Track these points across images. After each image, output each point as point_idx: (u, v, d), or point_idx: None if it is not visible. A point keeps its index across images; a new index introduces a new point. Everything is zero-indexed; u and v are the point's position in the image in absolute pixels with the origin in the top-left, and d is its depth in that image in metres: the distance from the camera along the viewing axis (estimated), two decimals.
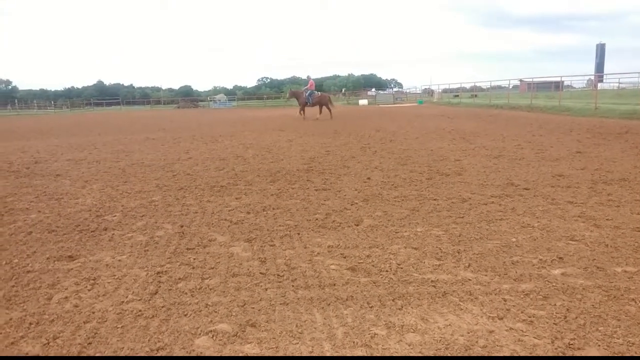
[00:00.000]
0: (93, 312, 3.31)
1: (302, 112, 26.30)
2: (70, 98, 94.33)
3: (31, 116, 49.36)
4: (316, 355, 2.74)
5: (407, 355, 2.73)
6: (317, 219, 5.54)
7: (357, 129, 18.07)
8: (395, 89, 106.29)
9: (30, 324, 3.17)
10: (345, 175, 8.30)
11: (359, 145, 12.41)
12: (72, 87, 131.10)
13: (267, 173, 8.67)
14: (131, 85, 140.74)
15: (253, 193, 7.07)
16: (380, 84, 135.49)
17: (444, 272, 3.88)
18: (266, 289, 3.64)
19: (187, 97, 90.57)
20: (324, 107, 26.17)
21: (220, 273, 3.99)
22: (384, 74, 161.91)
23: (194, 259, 4.34)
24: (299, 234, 5.03)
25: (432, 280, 3.72)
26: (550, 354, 2.69)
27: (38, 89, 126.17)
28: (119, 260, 4.33)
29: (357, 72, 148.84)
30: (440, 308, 3.27)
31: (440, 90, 58.04)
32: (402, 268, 3.98)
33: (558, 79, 38.06)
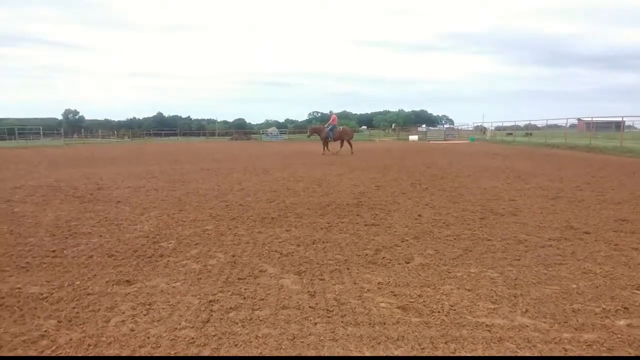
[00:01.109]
0: (148, 337, 3.40)
1: (325, 147, 25.97)
2: (132, 128, 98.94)
3: (95, 145, 51.96)
4: None
5: None
6: (366, 255, 5.51)
7: (408, 164, 17.97)
8: (446, 126, 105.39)
9: (89, 345, 3.29)
10: (395, 211, 8.24)
11: (410, 181, 12.33)
12: (134, 118, 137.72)
13: (317, 206, 8.72)
14: (188, 117, 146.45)
15: (303, 226, 7.13)
16: (431, 120, 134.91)
17: (499, 317, 3.75)
18: (315, 324, 3.63)
19: (240, 129, 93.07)
20: (345, 142, 26.13)
21: (271, 305, 4.01)
22: (435, 111, 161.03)
23: (245, 289, 4.39)
24: (348, 268, 5.01)
25: (486, 325, 3.60)
26: None
27: (103, 119, 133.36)
28: (174, 287, 4.44)
29: (408, 108, 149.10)
30: (495, 355, 3.15)
31: (493, 128, 57.18)
32: (455, 310, 3.88)
33: (619, 119, 36.53)
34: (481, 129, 62.18)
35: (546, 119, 45.48)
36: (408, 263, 5.19)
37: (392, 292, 4.30)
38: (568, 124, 37.42)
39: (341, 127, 27.32)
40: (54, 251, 5.69)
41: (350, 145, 26.14)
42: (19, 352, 3.22)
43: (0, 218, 7.75)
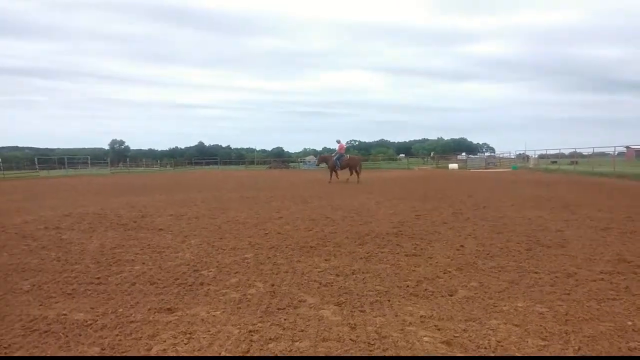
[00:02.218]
0: None
1: (334, 174, 26.13)
2: (174, 157, 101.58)
3: (139, 174, 53.53)
4: None
5: None
6: (408, 286, 5.39)
7: (448, 193, 17.68)
8: (487, 154, 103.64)
9: None
10: (436, 241, 8.07)
11: (451, 211, 12.09)
12: (176, 147, 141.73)
13: (356, 235, 8.64)
14: (228, 146, 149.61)
15: (342, 255, 7.06)
16: (470, 148, 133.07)
17: (550, 354, 3.56)
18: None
19: (278, 158, 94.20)
20: (354, 171, 26.14)
21: (310, 336, 3.95)
22: (475, 139, 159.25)
23: (285, 319, 4.35)
24: (389, 300, 4.90)
25: None
26: None
27: (147, 148, 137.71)
28: (214, 316, 4.44)
29: (447, 136, 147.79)
30: None
31: (536, 156, 55.70)
32: (502, 346, 3.71)
33: None
34: (524, 157, 60.79)
35: (592, 147, 44.01)
36: (451, 296, 5.04)
37: (435, 325, 4.17)
38: (616, 152, 36.10)
39: (348, 156, 27.50)
40: (98, 278, 5.82)
41: (358, 174, 26.15)
42: None
43: (49, 245, 8.00)
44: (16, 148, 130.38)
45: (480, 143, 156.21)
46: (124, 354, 3.62)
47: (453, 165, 56.21)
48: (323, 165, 28.42)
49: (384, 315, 4.47)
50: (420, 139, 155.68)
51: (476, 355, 3.55)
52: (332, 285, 5.45)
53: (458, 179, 29.99)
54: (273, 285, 5.47)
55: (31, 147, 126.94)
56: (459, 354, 3.56)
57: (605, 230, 8.96)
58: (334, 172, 26.29)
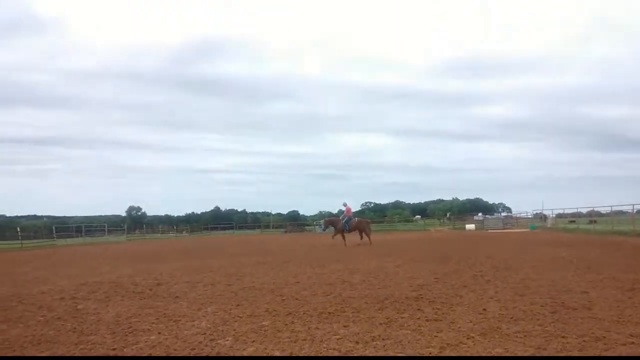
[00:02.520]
0: None
1: (339, 236, 26.07)
2: (190, 223, 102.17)
3: (155, 240, 53.73)
4: None
5: None
6: (430, 353, 5.22)
7: (467, 255, 17.39)
8: (504, 214, 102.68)
9: None
10: (457, 305, 7.87)
11: (471, 273, 11.85)
12: (192, 212, 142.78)
13: (375, 300, 8.47)
14: (244, 210, 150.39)
15: (361, 321, 6.89)
16: (487, 209, 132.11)
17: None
18: None
19: (294, 221, 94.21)
20: (364, 233, 26.14)
21: None
22: (490, 199, 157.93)
23: None
24: None
25: None
26: None
27: (163, 214, 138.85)
28: None
29: (462, 197, 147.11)
30: None
31: (554, 215, 55.00)
32: None
33: None
34: (541, 217, 60.02)
35: (610, 205, 43.39)
36: None
37: None
38: (635, 210, 35.44)
39: (356, 219, 27.56)
40: (114, 349, 5.73)
41: (369, 237, 26.08)
42: None
43: (65, 315, 7.96)
44: (34, 217, 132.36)
45: (496, 203, 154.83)
46: None
47: (470, 226, 55.58)
48: (330, 229, 28.44)
49: None
50: (436, 199, 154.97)
51: None
52: (351, 354, 5.29)
53: (476, 239, 29.60)
54: (291, 354, 5.34)
55: (49, 216, 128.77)
56: None
57: (631, 290, 8.68)
58: (341, 235, 26.13)
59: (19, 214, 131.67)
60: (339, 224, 26.41)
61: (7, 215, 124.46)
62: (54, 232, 54.54)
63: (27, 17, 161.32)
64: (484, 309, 7.43)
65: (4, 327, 7.21)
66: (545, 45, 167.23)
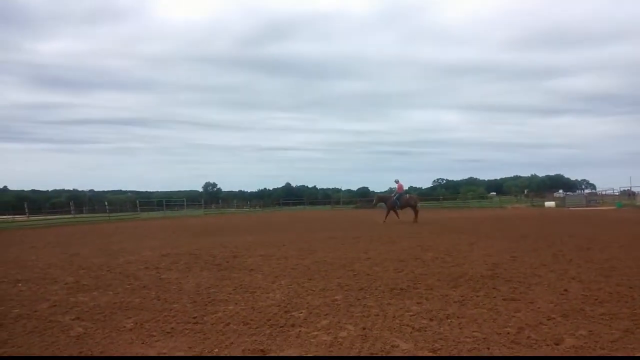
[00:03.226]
0: None
1: (393, 213, 25.72)
2: (263, 198, 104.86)
3: (230, 214, 55.66)
4: None
5: None
6: (508, 333, 5.05)
7: (546, 233, 16.64)
8: (587, 191, 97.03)
9: None
10: (536, 284, 7.56)
11: (550, 252, 11.33)
12: (265, 188, 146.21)
13: (448, 277, 8.31)
14: (314, 186, 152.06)
15: (434, 298, 6.79)
16: (568, 186, 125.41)
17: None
18: None
19: (364, 197, 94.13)
20: (411, 210, 25.68)
21: None
22: (572, 175, 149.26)
23: None
24: (488, 348, 4.61)
25: None
26: None
27: (237, 190, 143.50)
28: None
29: (542, 173, 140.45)
30: None
31: None
32: None
33: None
34: (629, 194, 56.16)
35: None
36: (557, 345, 4.65)
37: None
38: None
39: (407, 195, 27.03)
40: (195, 317, 6.02)
41: (416, 213, 25.58)
42: None
43: (149, 284, 8.45)
44: (120, 192, 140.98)
45: (579, 179, 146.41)
46: None
47: (550, 203, 53.03)
48: (381, 205, 28.20)
49: None
50: (512, 176, 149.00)
51: None
52: (425, 331, 5.24)
53: (556, 217, 28.24)
54: (364, 328, 5.36)
55: (133, 191, 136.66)
56: None
57: None
58: (392, 212, 25.96)
59: (106, 189, 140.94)
60: (389, 200, 26.25)
61: (96, 190, 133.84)
62: (138, 206, 57.84)
63: (108, 5, 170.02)
64: (565, 290, 7.08)
65: (95, 294, 7.77)
66: (632, 12, 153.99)
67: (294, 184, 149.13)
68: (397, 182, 26.93)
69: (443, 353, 4.48)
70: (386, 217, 25.76)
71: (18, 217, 40.30)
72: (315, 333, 5.23)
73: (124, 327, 5.71)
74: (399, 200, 25.85)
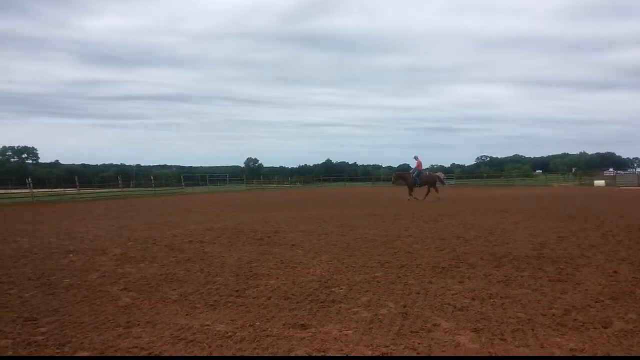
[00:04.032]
0: None
1: (411, 194, 25.02)
2: (304, 175, 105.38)
3: (272, 190, 56.30)
4: None
5: None
6: (554, 315, 4.92)
7: (595, 213, 16.06)
8: (639, 170, 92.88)
9: None
10: (584, 266, 7.32)
11: (600, 233, 10.94)
12: (305, 165, 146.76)
13: (492, 257, 8.16)
14: (355, 163, 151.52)
15: (477, 278, 6.69)
16: (619, 164, 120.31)
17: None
18: None
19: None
20: (432, 188, 25.19)
21: None
22: (624, 153, 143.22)
23: (419, 343, 4.20)
24: (533, 329, 4.50)
25: None
26: None
27: (278, 166, 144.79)
28: (346, 335, 4.43)
29: (591, 151, 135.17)
30: None
31: None
32: None
33: None
34: None
35: None
36: (606, 328, 4.50)
37: None
38: None
39: (428, 173, 26.42)
40: (237, 291, 6.14)
41: (437, 191, 25.20)
42: None
43: (194, 258, 8.67)
44: (165, 167, 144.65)
45: (631, 158, 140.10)
46: None
47: (599, 182, 51.09)
48: (400, 182, 27.79)
49: (528, 345, 4.11)
50: (560, 154, 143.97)
51: None
52: (467, 310, 5.17)
53: (606, 197, 27.21)
54: (405, 306, 5.34)
55: (178, 166, 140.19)
56: None
57: None
58: (411, 190, 25.43)
59: (152, 164, 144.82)
60: (409, 178, 25.74)
61: (142, 164, 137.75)
62: (182, 181, 59.21)
63: None
64: (615, 272, 6.84)
65: (142, 265, 8.03)
66: None
67: (334, 161, 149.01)
68: (416, 158, 26.26)
69: (486, 334, 4.41)
70: (411, 194, 25.36)
71: (69, 190, 41.93)
72: (356, 310, 5.25)
73: (169, 298, 5.89)
74: (419, 178, 25.39)
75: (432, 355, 3.96)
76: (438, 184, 26.36)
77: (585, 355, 3.89)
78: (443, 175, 28.68)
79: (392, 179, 29.02)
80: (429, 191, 25.54)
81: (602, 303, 5.33)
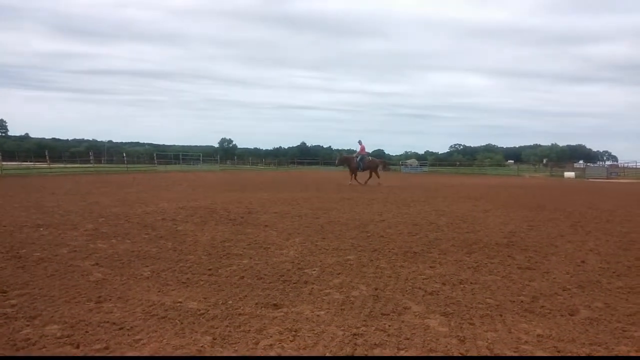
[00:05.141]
0: None
1: (354, 178, 25.50)
2: (278, 157, 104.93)
3: (245, 171, 55.98)
4: None
5: None
6: (522, 301, 5.03)
7: (565, 204, 16.45)
8: (608, 162, 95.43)
9: None
10: (552, 254, 7.50)
11: (568, 223, 11.21)
12: (280, 147, 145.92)
13: (463, 243, 8.28)
14: (329, 147, 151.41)
15: (448, 263, 6.78)
16: (589, 157, 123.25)
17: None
18: None
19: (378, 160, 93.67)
20: (374, 173, 25.83)
21: (416, 345, 3.81)
22: (594, 146, 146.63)
23: (389, 325, 4.24)
24: (501, 315, 4.60)
25: None
26: None
27: (253, 147, 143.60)
28: (318, 315, 4.45)
29: (562, 142, 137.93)
30: None
31: None
32: None
33: None
34: None
35: None
36: (572, 315, 4.62)
37: (554, 347, 3.83)
38: None
39: (370, 157, 26.97)
40: (210, 269, 6.09)
41: (378, 176, 25.75)
42: None
43: (166, 235, 8.56)
44: (137, 144, 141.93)
45: (601, 151, 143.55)
46: (233, 345, 3.73)
47: (569, 174, 52.32)
48: (343, 166, 28.22)
49: (496, 330, 4.19)
50: (532, 144, 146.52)
51: None
52: (438, 294, 5.24)
53: (576, 188, 27.89)
54: (376, 289, 5.38)
55: (150, 143, 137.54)
56: None
57: None
58: (354, 174, 25.78)
59: (124, 140, 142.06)
60: (352, 162, 25.99)
61: (114, 140, 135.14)
62: (155, 158, 58.33)
63: None
64: (583, 261, 7.02)
65: (113, 241, 7.90)
66: None
67: (309, 144, 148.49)
68: (360, 143, 26.46)
69: (455, 318, 4.48)
70: (352, 178, 25.60)
71: (39, 164, 40.92)
72: (328, 291, 5.27)
73: (141, 275, 5.81)
74: (362, 162, 25.66)
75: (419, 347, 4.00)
76: (380, 169, 26.81)
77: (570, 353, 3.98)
78: (380, 161, 28.90)
79: (337, 161, 29.02)
80: (370, 175, 25.99)
81: (569, 291, 5.47)
